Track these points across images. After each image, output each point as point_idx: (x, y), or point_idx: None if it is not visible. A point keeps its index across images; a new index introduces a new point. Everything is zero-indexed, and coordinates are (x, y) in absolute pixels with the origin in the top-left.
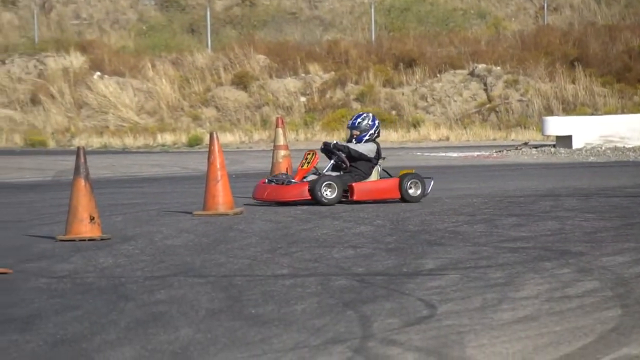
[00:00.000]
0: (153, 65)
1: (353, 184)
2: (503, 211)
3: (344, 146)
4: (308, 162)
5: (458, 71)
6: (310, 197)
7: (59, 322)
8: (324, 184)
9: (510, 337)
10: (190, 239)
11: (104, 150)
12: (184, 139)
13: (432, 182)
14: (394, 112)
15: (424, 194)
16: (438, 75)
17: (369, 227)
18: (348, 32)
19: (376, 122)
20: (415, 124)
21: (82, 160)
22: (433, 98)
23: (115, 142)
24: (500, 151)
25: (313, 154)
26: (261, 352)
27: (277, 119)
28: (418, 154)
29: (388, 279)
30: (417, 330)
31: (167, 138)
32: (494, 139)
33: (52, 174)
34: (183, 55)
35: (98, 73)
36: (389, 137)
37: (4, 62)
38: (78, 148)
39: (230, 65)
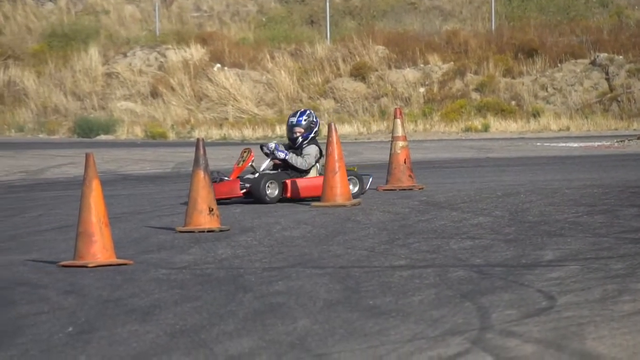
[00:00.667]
0: (272, 57)
1: (287, 181)
2: (624, 202)
3: (284, 158)
4: (243, 160)
5: (579, 60)
6: (241, 195)
7: (178, 313)
8: (268, 181)
9: (631, 328)
10: (308, 230)
11: (223, 142)
12: None
13: (370, 179)
14: (513, 103)
15: (361, 191)
16: (559, 64)
17: (487, 218)
18: (468, 22)
19: (317, 119)
20: (535, 114)
21: (201, 152)
22: (553, 88)
23: (235, 134)
24: (621, 141)
25: (249, 151)
26: (379, 343)
27: (396, 110)
28: (538, 144)
29: (507, 270)
30: (536, 321)
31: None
32: (616, 129)
33: (171, 165)
34: (302, 47)
35: (218, 65)
36: (509, 127)
37: (125, 55)
38: (197, 140)
39: (349, 56)
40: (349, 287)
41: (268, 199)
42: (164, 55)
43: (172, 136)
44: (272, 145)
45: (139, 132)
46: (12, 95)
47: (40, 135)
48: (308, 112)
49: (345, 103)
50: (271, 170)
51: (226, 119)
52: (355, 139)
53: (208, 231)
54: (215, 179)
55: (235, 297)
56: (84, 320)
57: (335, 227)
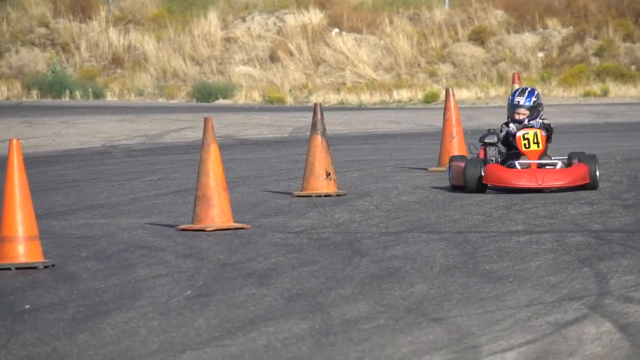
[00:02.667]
0: (391, 22)
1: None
2: None
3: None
4: (538, 142)
5: None
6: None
7: (295, 277)
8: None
9: None
10: (425, 195)
11: (341, 107)
12: (420, 95)
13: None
14: (633, 67)
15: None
16: None
17: (606, 183)
18: None
19: (543, 102)
20: None
21: (318, 117)
22: None
23: (352, 99)
24: None
25: (536, 132)
26: (495, 308)
27: (514, 74)
28: None
29: (625, 235)
30: None
31: (403, 94)
32: None
33: (289, 130)
34: (421, 11)
35: (336, 29)
36: (628, 92)
37: (244, 20)
38: (315, 105)
39: (467, 20)
40: (466, 252)
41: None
42: (282, 20)
43: (289, 101)
44: (513, 128)
45: (257, 96)
46: (132, 60)
47: (160, 100)
48: (536, 92)
49: (464, 68)
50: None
51: (344, 83)
52: (473, 104)
53: (325, 195)
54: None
55: (352, 262)
56: (202, 283)
57: (453, 192)
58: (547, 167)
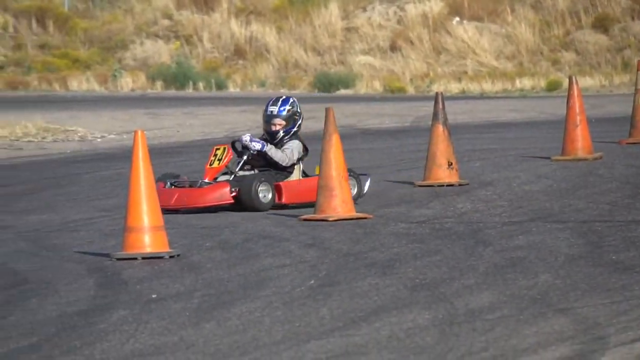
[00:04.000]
0: (512, 10)
1: (280, 183)
2: None
3: (260, 149)
4: (219, 160)
5: None
6: (232, 201)
7: (418, 267)
8: (260, 183)
9: None
10: (548, 184)
11: (462, 96)
12: (542, 83)
13: (368, 180)
14: None
15: (360, 194)
16: None
17: None
18: None
19: (300, 110)
20: None
21: (440, 106)
22: None
23: (473, 88)
24: None
25: (225, 149)
26: (622, 298)
27: (639, 62)
28: None
29: None
30: None
31: (526, 83)
32: None
33: (410, 120)
34: None
35: (457, 18)
36: None
37: (364, 10)
38: (436, 94)
39: (590, 7)
40: (591, 241)
41: (263, 204)
42: (403, 9)
43: (410, 90)
44: (246, 137)
45: (378, 86)
46: (254, 51)
47: (281, 90)
48: (291, 100)
49: (587, 55)
50: (247, 171)
51: (465, 72)
52: (597, 92)
53: (447, 185)
54: (192, 183)
55: (475, 251)
56: (325, 273)
57: (577, 181)
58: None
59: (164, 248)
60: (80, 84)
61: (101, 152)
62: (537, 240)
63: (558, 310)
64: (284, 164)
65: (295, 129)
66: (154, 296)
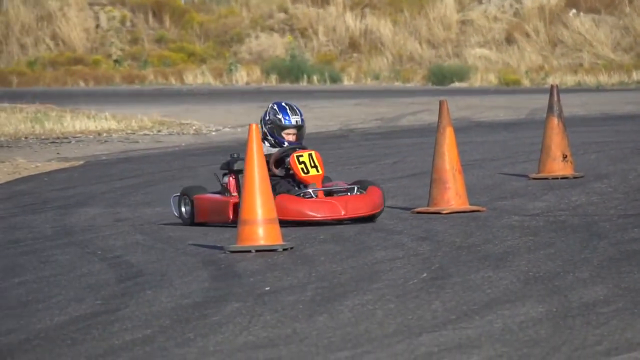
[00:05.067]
0: (630, 1)
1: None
2: None
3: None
4: (314, 167)
5: None
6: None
7: (531, 260)
8: None
9: None
10: None
11: (578, 88)
12: None
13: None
14: None
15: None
16: None
17: None
18: None
19: None
20: None
21: (555, 98)
22: None
23: (590, 80)
24: None
25: (310, 155)
26: None
27: None
28: None
29: None
30: None
31: None
32: None
33: (525, 112)
34: None
35: (574, 10)
36: None
37: (480, 2)
38: (552, 86)
39: None
40: None
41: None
42: (519, 2)
43: (526, 83)
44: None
45: (492, 79)
46: (368, 44)
47: (396, 84)
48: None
49: None
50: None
51: (581, 64)
52: None
53: (562, 178)
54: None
55: (589, 244)
56: (437, 266)
57: None
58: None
59: (277, 241)
60: (196, 77)
61: (216, 145)
62: None
63: None
64: None
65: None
66: (267, 289)
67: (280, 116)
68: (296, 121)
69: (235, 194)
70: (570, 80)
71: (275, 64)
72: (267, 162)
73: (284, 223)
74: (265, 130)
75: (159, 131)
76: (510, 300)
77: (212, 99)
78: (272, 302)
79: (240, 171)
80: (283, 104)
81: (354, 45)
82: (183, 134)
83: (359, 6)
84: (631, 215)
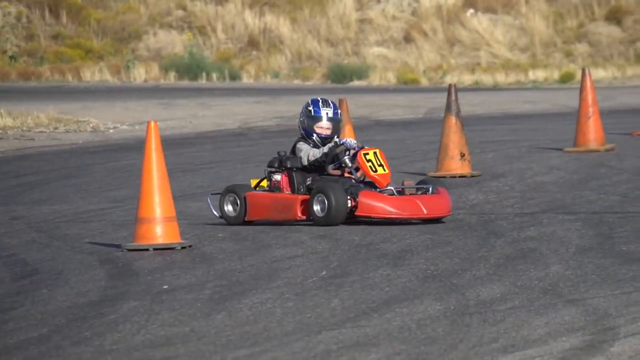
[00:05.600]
0: (526, 1)
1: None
2: None
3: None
4: (381, 165)
5: None
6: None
7: (429, 258)
8: None
9: None
10: (560, 176)
11: (475, 88)
12: (555, 75)
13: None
14: None
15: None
16: None
17: None
18: None
19: None
20: None
21: (453, 97)
22: None
23: (487, 79)
24: None
25: (375, 153)
26: (632, 289)
27: None
28: None
29: None
30: None
31: (539, 74)
32: None
33: (423, 111)
34: None
35: (471, 10)
36: None
37: (378, 1)
38: (449, 85)
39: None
40: (602, 233)
41: None
42: (417, 1)
43: (424, 82)
44: (353, 141)
45: (391, 77)
46: (267, 42)
47: (295, 82)
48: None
49: (600, 47)
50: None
51: (478, 64)
52: (610, 84)
53: (459, 176)
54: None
55: (486, 243)
56: (336, 264)
57: (588, 173)
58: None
59: (175, 239)
60: (93, 74)
61: (114, 143)
62: (548, 232)
63: (569, 301)
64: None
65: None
66: (165, 287)
67: (311, 108)
68: (326, 113)
69: (288, 191)
70: (467, 79)
71: (174, 61)
72: (321, 163)
73: (360, 220)
74: (302, 131)
75: (56, 128)
76: (408, 298)
77: (109, 96)
78: (170, 300)
79: (292, 168)
80: (317, 98)
81: (253, 43)
82: (80, 131)
83: (258, 4)
84: (527, 213)
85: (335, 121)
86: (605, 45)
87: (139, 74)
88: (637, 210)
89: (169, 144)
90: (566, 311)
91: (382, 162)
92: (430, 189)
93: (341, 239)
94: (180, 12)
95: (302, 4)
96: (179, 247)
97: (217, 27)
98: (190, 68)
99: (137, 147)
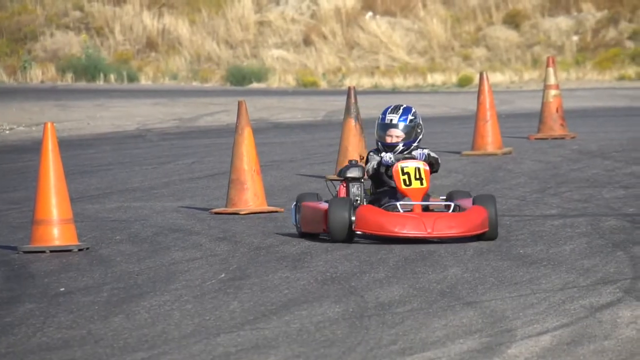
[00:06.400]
0: (424, 5)
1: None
2: None
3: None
4: (419, 179)
5: None
6: (487, 229)
7: (329, 260)
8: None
9: None
10: (458, 179)
11: (374, 91)
12: (454, 78)
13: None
14: None
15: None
16: None
17: None
18: None
19: (422, 123)
20: None
21: (352, 100)
22: None
23: (386, 82)
24: None
25: (418, 169)
26: (529, 291)
27: (548, 58)
28: None
29: None
30: None
31: (437, 78)
32: None
33: (323, 114)
34: None
35: (370, 13)
36: None
37: (278, 3)
38: (349, 88)
39: (502, 3)
40: (500, 235)
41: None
42: (316, 3)
43: (323, 84)
44: (389, 157)
45: (290, 80)
46: (166, 44)
47: (194, 83)
48: (413, 110)
49: (498, 51)
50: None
51: (377, 67)
52: (507, 88)
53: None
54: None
55: (385, 246)
56: (235, 267)
57: (486, 176)
58: (435, 210)
59: (72, 241)
60: None
61: (10, 145)
62: None
63: (466, 303)
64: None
65: (415, 144)
66: (62, 289)
67: (380, 115)
68: (390, 120)
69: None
70: (367, 82)
71: (71, 62)
72: (381, 174)
73: (367, 237)
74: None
75: None
76: (307, 301)
77: (5, 97)
78: (67, 302)
79: (352, 179)
80: (392, 105)
81: (151, 45)
82: None
83: (156, 5)
84: None
85: (394, 126)
86: (503, 50)
87: (36, 75)
88: (534, 213)
89: (67, 145)
90: (464, 313)
91: (423, 177)
92: (452, 206)
93: (240, 241)
94: (77, 13)
95: (200, 5)
96: (76, 249)
97: (115, 28)
98: (87, 69)
99: (34, 148)
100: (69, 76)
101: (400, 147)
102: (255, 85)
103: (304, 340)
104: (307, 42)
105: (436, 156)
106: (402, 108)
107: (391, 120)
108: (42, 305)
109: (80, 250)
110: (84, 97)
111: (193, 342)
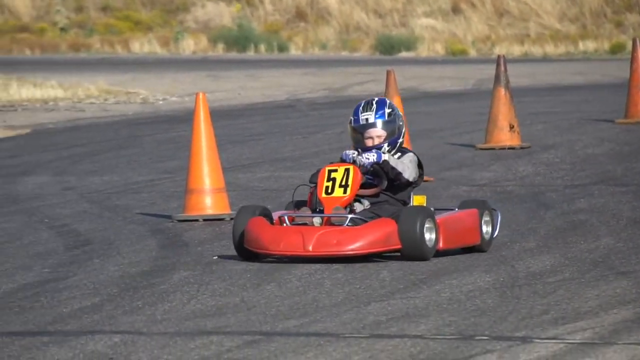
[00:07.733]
0: None
1: (439, 219)
2: None
3: (379, 162)
4: (344, 186)
5: None
6: (399, 246)
7: None
8: (426, 218)
9: None
10: (611, 147)
11: (525, 59)
12: (606, 46)
13: (499, 217)
14: None
15: (493, 235)
16: None
17: None
18: None
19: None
20: None
21: (502, 68)
22: None
23: (536, 50)
24: None
25: (347, 170)
26: None
27: None
28: None
29: None
30: None
31: (589, 45)
32: None
33: (472, 82)
34: None
35: None
36: None
37: None
38: (498, 57)
39: None
40: None
41: (427, 252)
42: None
43: (472, 53)
44: (352, 153)
45: (439, 49)
46: (315, 14)
47: (343, 53)
48: (388, 102)
49: None
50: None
51: (528, 35)
52: None
53: (509, 148)
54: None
55: (536, 215)
56: None
57: None
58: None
59: (225, 210)
60: (142, 46)
61: (163, 115)
62: (599, 204)
63: (620, 273)
64: (410, 180)
65: (401, 139)
66: (215, 258)
67: (351, 117)
68: (366, 119)
69: None
70: (517, 50)
71: (222, 33)
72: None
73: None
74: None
75: (106, 100)
76: (457, 270)
77: (159, 68)
78: (220, 271)
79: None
80: (362, 101)
81: (300, 15)
82: (130, 102)
83: None
84: (577, 185)
85: (371, 126)
86: None
87: (188, 46)
88: None
89: (218, 115)
90: (617, 283)
91: (349, 184)
92: (348, 218)
93: None
94: None
95: None
96: (229, 218)
97: None
98: (238, 40)
99: (186, 118)
100: (220, 47)
101: (386, 148)
102: (404, 54)
103: (454, 309)
104: (456, 10)
105: (400, 170)
106: (374, 102)
107: (367, 119)
108: (196, 273)
109: (232, 219)
110: (235, 67)
111: (344, 311)
